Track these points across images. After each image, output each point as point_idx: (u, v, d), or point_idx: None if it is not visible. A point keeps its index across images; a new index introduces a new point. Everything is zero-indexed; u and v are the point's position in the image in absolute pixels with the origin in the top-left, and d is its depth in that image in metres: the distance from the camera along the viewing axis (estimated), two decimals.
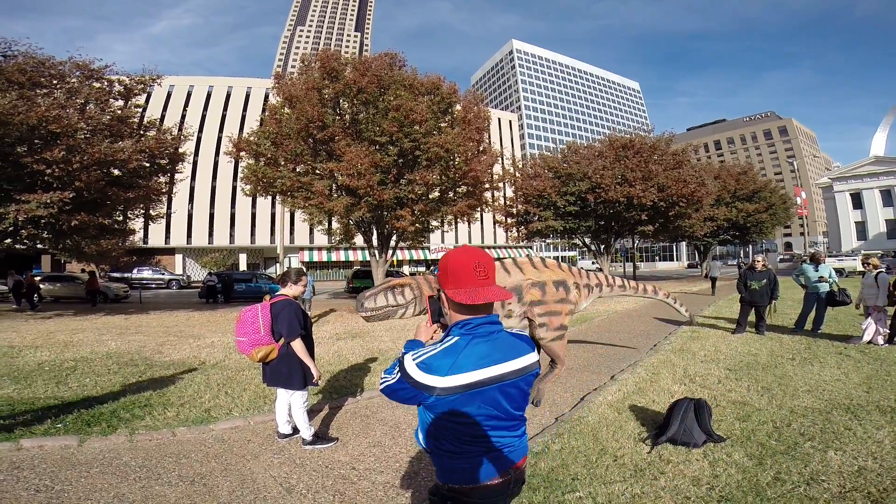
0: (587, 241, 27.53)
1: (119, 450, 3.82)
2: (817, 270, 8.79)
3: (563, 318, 5.09)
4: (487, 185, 18.42)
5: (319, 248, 46.59)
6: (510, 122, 70.73)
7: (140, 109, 16.46)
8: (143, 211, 17.41)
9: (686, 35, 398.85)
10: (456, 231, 56.92)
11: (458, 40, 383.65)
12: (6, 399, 5.14)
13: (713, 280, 20.02)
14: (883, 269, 7.59)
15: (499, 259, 5.25)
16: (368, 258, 18.28)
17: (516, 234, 27.59)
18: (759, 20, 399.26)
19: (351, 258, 45.66)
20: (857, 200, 52.05)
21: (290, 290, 3.89)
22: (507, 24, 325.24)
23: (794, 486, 2.94)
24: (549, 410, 4.76)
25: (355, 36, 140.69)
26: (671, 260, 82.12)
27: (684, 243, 56.80)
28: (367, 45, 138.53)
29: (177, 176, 17.42)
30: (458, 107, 16.64)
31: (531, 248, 61.00)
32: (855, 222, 52.31)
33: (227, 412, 4.70)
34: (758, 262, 8.93)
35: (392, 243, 17.53)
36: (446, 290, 1.47)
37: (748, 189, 32.49)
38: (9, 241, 13.40)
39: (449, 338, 1.43)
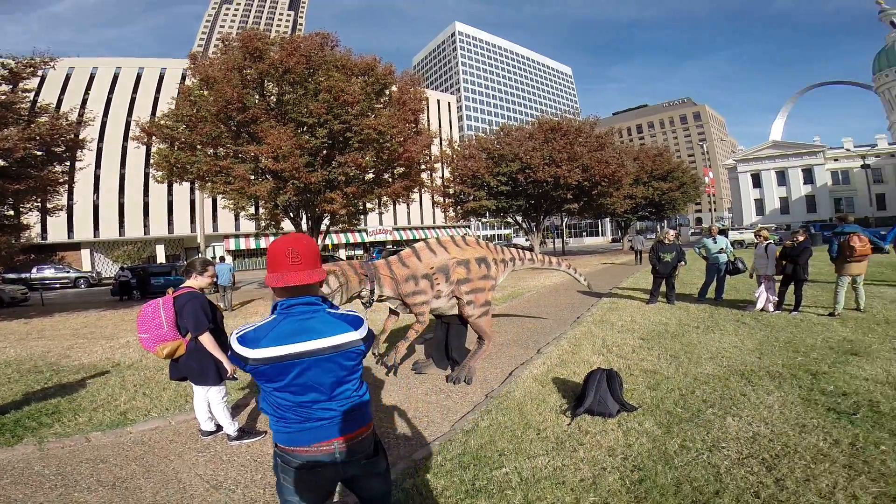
0: (519, 219, 28.46)
1: (29, 459, 3.56)
2: (716, 243, 9.58)
3: (486, 295, 5.19)
4: (424, 167, 18.37)
5: (247, 235, 44.39)
6: (448, 103, 70.76)
7: (30, 94, 14.59)
8: (38, 204, 15.62)
9: (618, 23, 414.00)
10: (394, 212, 56.39)
11: (402, 21, 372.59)
12: None
13: (638, 252, 21.71)
14: (772, 241, 8.41)
15: (425, 239, 5.29)
16: None
17: (453, 214, 27.97)
18: (683, 10, 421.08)
19: None
20: (757, 180, 57.92)
21: (195, 282, 3.69)
22: (451, 6, 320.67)
23: (698, 453, 3.13)
24: (480, 387, 4.92)
25: (288, 15, 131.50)
26: (597, 235, 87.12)
27: (608, 220, 60.27)
28: (301, 24, 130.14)
29: (78, 164, 15.77)
30: (395, 88, 16.35)
31: (468, 227, 61.85)
32: (755, 199, 58.20)
33: (146, 414, 4.45)
34: (668, 235, 9.66)
35: (323, 227, 17.09)
36: (267, 274, 1.60)
37: (663, 169, 34.95)
38: None
39: (270, 315, 1.57)
